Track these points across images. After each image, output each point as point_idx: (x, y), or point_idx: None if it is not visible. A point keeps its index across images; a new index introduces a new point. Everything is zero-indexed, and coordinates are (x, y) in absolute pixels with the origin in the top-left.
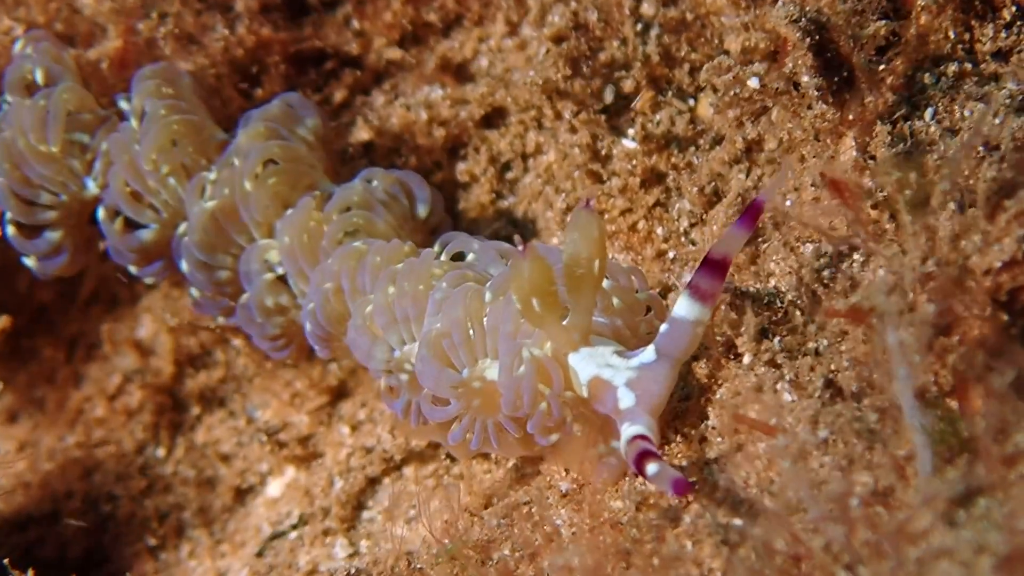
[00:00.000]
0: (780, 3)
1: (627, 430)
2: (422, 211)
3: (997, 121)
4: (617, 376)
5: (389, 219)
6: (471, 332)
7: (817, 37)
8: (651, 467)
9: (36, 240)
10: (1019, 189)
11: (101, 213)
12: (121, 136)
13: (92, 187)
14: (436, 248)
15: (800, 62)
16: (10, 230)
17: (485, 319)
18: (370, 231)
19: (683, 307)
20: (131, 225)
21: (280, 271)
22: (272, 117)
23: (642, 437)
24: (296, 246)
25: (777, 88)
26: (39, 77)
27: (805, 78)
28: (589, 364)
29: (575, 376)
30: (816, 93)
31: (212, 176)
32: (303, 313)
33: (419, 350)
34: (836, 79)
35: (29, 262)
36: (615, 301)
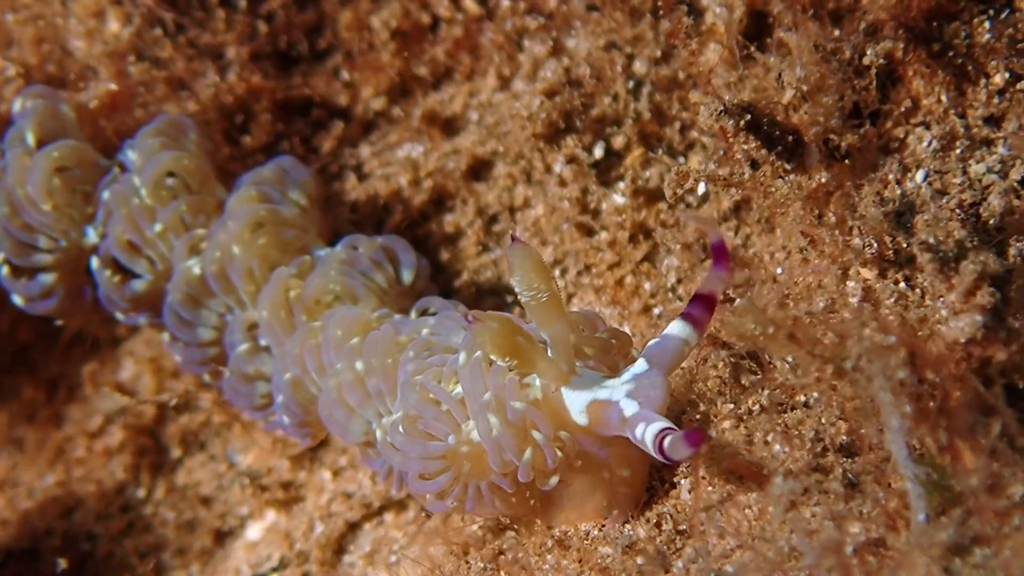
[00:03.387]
0: (702, 107)
1: (649, 428)
2: (407, 277)
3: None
4: (615, 393)
5: (372, 286)
6: (442, 405)
7: (748, 117)
8: (667, 442)
9: (28, 282)
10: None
11: (95, 262)
12: (121, 187)
13: (92, 236)
14: (413, 315)
15: (745, 145)
16: (4, 270)
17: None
18: (350, 299)
19: (676, 327)
20: (125, 274)
21: (263, 342)
22: (264, 180)
23: (670, 429)
24: (274, 322)
25: (741, 175)
26: (30, 139)
27: (758, 156)
28: (583, 392)
29: (571, 407)
30: (773, 166)
31: (203, 235)
32: (275, 406)
33: (392, 438)
34: (782, 147)
35: (17, 300)
36: (587, 350)
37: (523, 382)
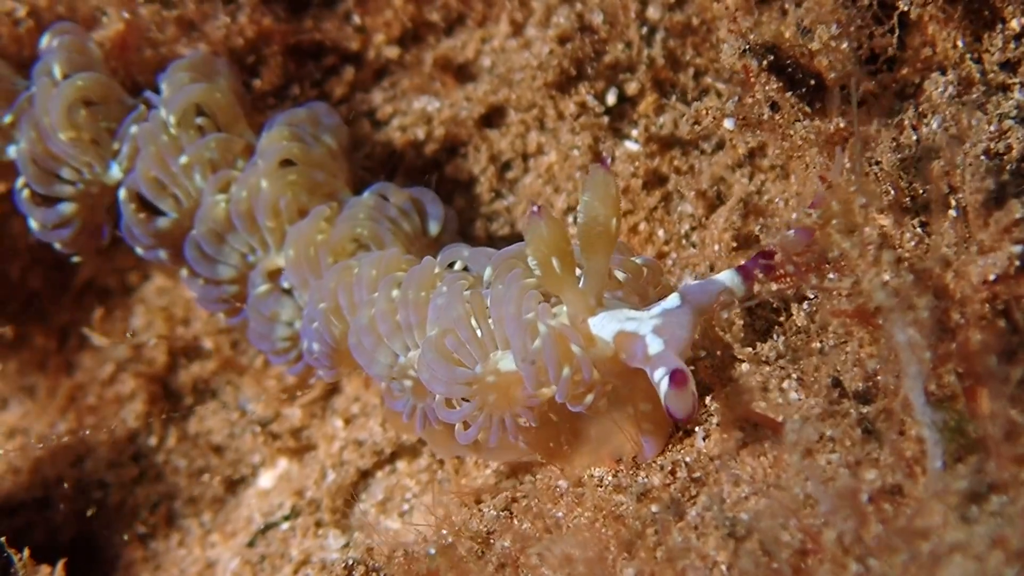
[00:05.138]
0: (726, 45)
1: (664, 380)
2: (434, 229)
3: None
4: (642, 326)
5: (399, 235)
6: (477, 329)
7: (771, 57)
8: (668, 396)
9: (47, 210)
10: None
11: (122, 193)
12: (150, 125)
13: (116, 171)
14: (439, 259)
15: (767, 86)
16: (24, 194)
17: (489, 311)
18: (377, 244)
19: (725, 274)
20: (149, 210)
21: (285, 284)
22: (297, 121)
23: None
24: (303, 259)
25: (760, 115)
26: (57, 72)
27: (779, 98)
28: (611, 323)
29: (599, 338)
30: (793, 108)
31: (234, 176)
32: (304, 332)
33: (424, 354)
34: (804, 89)
35: (33, 224)
36: (619, 275)
37: (552, 312)
